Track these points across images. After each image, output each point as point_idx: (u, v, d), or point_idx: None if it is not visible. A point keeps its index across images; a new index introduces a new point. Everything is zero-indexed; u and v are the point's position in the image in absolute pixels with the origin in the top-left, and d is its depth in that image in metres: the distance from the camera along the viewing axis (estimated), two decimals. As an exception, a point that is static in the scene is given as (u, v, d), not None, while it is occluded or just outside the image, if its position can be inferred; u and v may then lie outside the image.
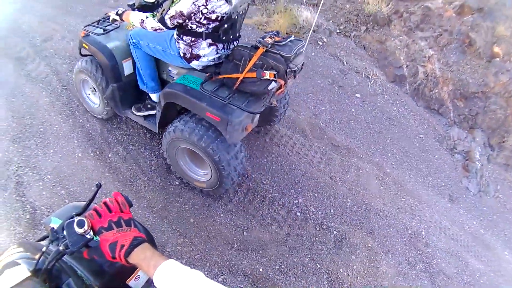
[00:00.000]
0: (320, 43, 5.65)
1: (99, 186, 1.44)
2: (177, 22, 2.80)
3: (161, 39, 3.20)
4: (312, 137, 4.20)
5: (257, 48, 2.86)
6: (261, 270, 3.23)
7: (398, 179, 4.11)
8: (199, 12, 2.68)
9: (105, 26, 3.61)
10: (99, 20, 3.74)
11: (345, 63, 5.37)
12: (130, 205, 1.34)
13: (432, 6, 6.12)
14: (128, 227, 1.25)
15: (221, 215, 3.52)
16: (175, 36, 3.06)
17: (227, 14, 2.76)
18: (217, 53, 3.08)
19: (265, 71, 2.82)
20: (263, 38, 2.88)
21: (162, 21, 2.82)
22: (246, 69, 2.88)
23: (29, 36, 6.34)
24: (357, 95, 4.95)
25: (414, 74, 5.40)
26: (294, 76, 3.05)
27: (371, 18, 6.18)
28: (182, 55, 3.11)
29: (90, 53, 3.81)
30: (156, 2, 3.57)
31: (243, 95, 2.99)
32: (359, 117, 4.62)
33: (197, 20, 2.76)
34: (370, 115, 4.78)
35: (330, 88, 4.97)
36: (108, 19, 3.63)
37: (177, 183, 3.76)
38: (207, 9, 2.66)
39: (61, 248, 1.22)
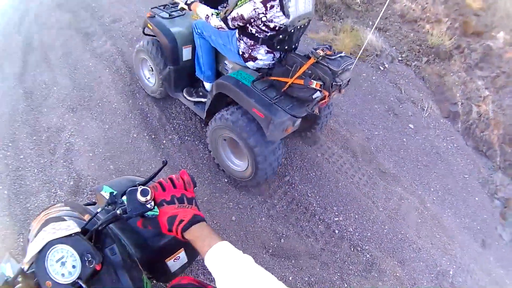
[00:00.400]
0: (382, 68, 5.69)
1: (165, 163, 1.51)
2: (238, 24, 3.03)
3: (224, 34, 3.41)
4: (361, 160, 4.27)
5: (308, 58, 3.06)
6: (290, 278, 3.32)
7: (436, 215, 4.13)
8: (258, 19, 2.88)
9: (171, 12, 3.94)
10: (166, 5, 4.08)
11: (403, 91, 5.42)
12: (195, 185, 1.39)
13: (493, 45, 6.09)
14: (190, 204, 1.29)
15: (263, 218, 3.63)
16: (237, 35, 3.27)
17: (284, 25, 2.93)
18: (273, 60, 3.33)
19: (312, 80, 3.00)
20: (315, 49, 3.07)
21: (225, 21, 3.04)
22: (296, 75, 3.06)
23: (99, 14, 6.68)
24: (410, 125, 4.98)
25: (467, 112, 5.36)
26: (340, 91, 3.20)
27: (433, 50, 6.17)
28: (240, 53, 3.33)
29: (153, 34, 4.06)
30: None
31: (289, 99, 3.18)
32: (409, 147, 4.67)
33: (257, 25, 2.96)
34: (420, 147, 4.80)
35: (385, 114, 5.02)
36: (174, 5, 3.98)
37: (225, 180, 3.88)
38: (266, 17, 2.85)
39: (118, 212, 1.30)
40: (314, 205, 3.75)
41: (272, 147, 3.38)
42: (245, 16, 2.91)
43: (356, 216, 3.79)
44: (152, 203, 1.26)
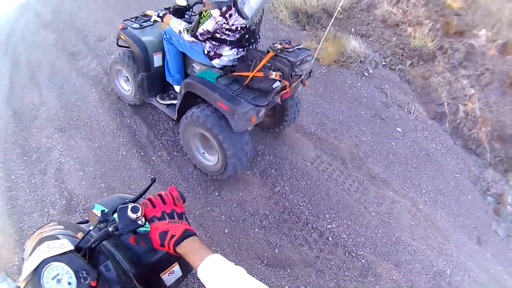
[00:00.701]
0: (366, 74, 5.74)
1: (153, 180, 1.53)
2: (207, 37, 3.41)
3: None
4: (351, 166, 4.27)
5: (268, 52, 3.36)
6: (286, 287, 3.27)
7: (429, 216, 4.12)
8: (222, 28, 3.26)
9: (142, 22, 4.19)
10: (137, 17, 4.34)
11: (388, 96, 5.43)
12: (184, 200, 1.41)
13: (475, 43, 6.13)
14: (180, 219, 1.32)
15: (256, 230, 3.62)
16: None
17: (245, 25, 3.32)
18: (237, 54, 3.59)
19: (271, 72, 3.27)
20: (274, 44, 3.40)
21: (195, 36, 3.41)
22: (257, 69, 3.33)
23: (83, 33, 6.72)
24: (398, 129, 4.99)
25: (454, 112, 5.38)
26: (302, 82, 3.59)
27: (416, 53, 6.20)
28: (206, 52, 3.59)
29: (126, 45, 4.32)
30: (187, 6, 4.10)
31: (251, 91, 3.42)
32: (398, 151, 4.67)
33: (222, 32, 3.32)
34: (409, 150, 4.80)
35: (372, 120, 5.03)
36: (145, 17, 4.25)
37: (216, 193, 3.89)
38: (228, 25, 3.22)
39: (110, 229, 1.31)
40: (306, 214, 3.74)
41: (241, 142, 3.57)
42: (211, 30, 3.30)
43: (349, 222, 3.78)
44: (143, 220, 1.29)
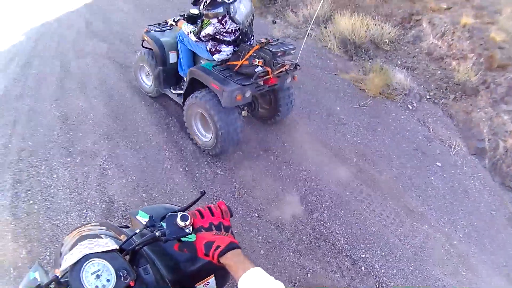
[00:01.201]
0: (410, 107, 5.82)
1: (203, 193, 1.62)
2: (208, 38, 4.36)
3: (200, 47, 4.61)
4: (389, 198, 4.33)
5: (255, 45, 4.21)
6: (316, 312, 3.34)
7: (462, 253, 4.12)
8: (220, 31, 4.21)
9: (162, 27, 5.23)
10: (159, 23, 5.35)
11: (431, 130, 5.49)
12: (231, 215, 1.44)
13: (517, 77, 6.04)
14: (226, 232, 1.36)
15: (291, 253, 3.71)
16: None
17: (238, 28, 4.25)
18: (233, 49, 4.46)
19: (255, 59, 4.13)
20: (260, 39, 4.27)
21: (199, 38, 4.36)
22: (245, 58, 4.21)
23: (135, 47, 7.01)
24: (438, 163, 5.03)
25: (494, 148, 5.36)
26: (287, 72, 4.45)
27: (460, 87, 6.22)
28: (208, 49, 4.49)
29: (149, 46, 5.20)
30: (199, 14, 4.75)
31: (239, 75, 4.23)
32: (437, 185, 4.70)
33: (221, 34, 4.28)
34: (447, 185, 4.80)
35: (414, 153, 5.08)
36: (166, 23, 5.21)
37: (256, 215, 4.03)
38: (225, 28, 4.18)
39: (157, 234, 1.37)
40: (342, 241, 3.82)
41: (230, 117, 4.31)
42: (211, 33, 4.23)
43: (383, 253, 3.83)
44: (191, 229, 1.34)
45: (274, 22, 9.42)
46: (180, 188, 4.23)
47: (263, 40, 4.25)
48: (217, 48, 4.46)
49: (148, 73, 5.56)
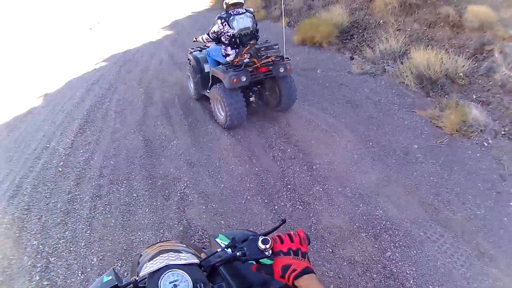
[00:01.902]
0: (486, 145, 5.69)
1: (283, 221, 1.70)
2: (214, 36, 6.29)
3: (217, 51, 6.54)
4: (461, 239, 4.26)
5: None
6: None
7: (531, 298, 3.99)
8: (222, 31, 6.06)
9: (200, 48, 7.53)
10: (199, 47, 7.60)
11: (506, 168, 5.30)
12: (309, 242, 1.50)
13: None
14: (303, 258, 1.40)
15: (360, 291, 3.77)
16: (222, 46, 6.39)
17: (234, 33, 6.05)
18: (236, 53, 6.23)
19: (244, 55, 6.04)
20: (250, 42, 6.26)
21: (208, 35, 6.38)
22: (239, 56, 6.11)
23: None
24: (511, 203, 4.85)
25: None
26: (274, 62, 6.11)
27: (537, 121, 5.97)
28: (224, 54, 6.36)
29: (191, 62, 7.46)
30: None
31: (237, 68, 6.00)
32: (510, 227, 4.55)
33: (222, 35, 6.13)
34: (521, 227, 4.68)
35: (488, 192, 4.92)
36: (202, 47, 7.48)
37: (330, 250, 4.10)
38: (224, 30, 6.04)
39: (238, 253, 1.44)
40: (411, 282, 3.79)
41: (234, 99, 6.08)
42: (216, 31, 6.16)
43: (452, 296, 3.79)
44: (270, 252, 1.41)
45: (352, 58, 9.55)
46: (258, 218, 4.43)
47: (251, 43, 6.23)
48: (227, 52, 6.32)
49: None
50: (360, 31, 10.79)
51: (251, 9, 6.33)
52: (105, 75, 10.98)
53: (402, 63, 8.06)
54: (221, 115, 6.49)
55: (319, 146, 5.78)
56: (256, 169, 5.29)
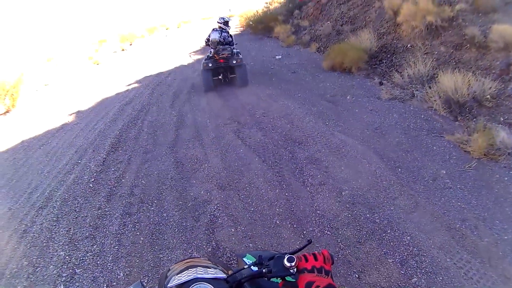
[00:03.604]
0: None
1: (309, 242, 1.76)
2: (206, 41, 11.82)
3: (208, 52, 11.78)
4: (488, 265, 4.21)
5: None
6: None
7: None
8: (208, 40, 11.50)
9: (208, 57, 11.51)
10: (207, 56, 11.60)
11: (534, 192, 5.21)
12: (333, 262, 1.56)
13: None
14: (326, 275, 1.47)
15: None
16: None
17: (210, 42, 11.42)
18: (212, 51, 11.26)
19: (213, 53, 11.29)
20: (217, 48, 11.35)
21: (205, 42, 11.97)
22: (212, 53, 11.25)
23: (250, 107, 9.02)
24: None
25: None
26: (228, 57, 10.98)
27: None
28: (210, 52, 11.47)
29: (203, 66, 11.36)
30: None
31: (210, 59, 11.22)
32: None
33: (208, 42, 11.59)
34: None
35: (517, 218, 4.88)
36: (210, 57, 11.61)
37: (356, 276, 4.07)
38: (208, 40, 11.54)
39: (264, 270, 1.52)
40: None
41: (204, 75, 11.30)
42: (206, 39, 11.67)
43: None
44: (295, 270, 1.49)
45: (381, 83, 9.69)
46: (286, 243, 4.44)
47: (217, 47, 11.02)
48: (211, 51, 11.31)
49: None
50: (388, 55, 10.95)
51: (226, 29, 11.71)
52: (137, 97, 11.35)
53: (430, 87, 8.08)
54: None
55: (348, 172, 5.78)
56: (286, 194, 5.30)
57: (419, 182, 5.49)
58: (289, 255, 1.50)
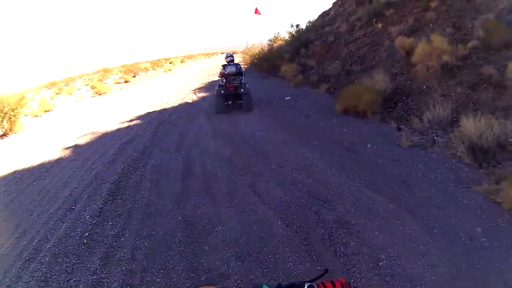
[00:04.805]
0: None
1: (326, 270, 1.75)
2: (220, 74, 14.50)
3: (221, 81, 14.64)
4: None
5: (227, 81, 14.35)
6: None
7: None
8: (223, 73, 14.20)
9: (220, 85, 14.43)
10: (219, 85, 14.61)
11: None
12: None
13: None
14: None
15: None
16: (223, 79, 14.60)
17: (226, 74, 14.06)
18: (224, 80, 14.16)
19: (225, 82, 14.16)
20: (228, 79, 14.41)
21: (220, 75, 14.64)
22: (225, 82, 14.03)
23: (264, 156, 8.05)
24: None
25: None
26: (237, 86, 13.79)
27: None
28: (222, 82, 14.36)
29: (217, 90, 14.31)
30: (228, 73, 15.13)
31: (222, 87, 14.00)
32: None
33: (223, 74, 14.26)
34: None
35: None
36: (221, 84, 14.60)
37: None
38: (224, 72, 14.19)
39: None
40: None
41: (217, 100, 13.91)
42: (221, 72, 14.31)
43: None
44: None
45: (399, 129, 9.16)
46: None
47: (229, 77, 13.89)
48: (223, 79, 14.01)
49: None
50: (403, 97, 10.50)
51: (238, 64, 14.53)
52: (140, 135, 10.83)
53: (451, 131, 7.71)
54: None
55: (383, 237, 5.18)
56: (318, 268, 4.53)
57: (456, 243, 5.04)
58: (310, 283, 1.50)
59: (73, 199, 6.73)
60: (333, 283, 1.49)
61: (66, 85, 33.41)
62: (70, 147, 10.74)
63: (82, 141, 11.30)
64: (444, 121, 8.23)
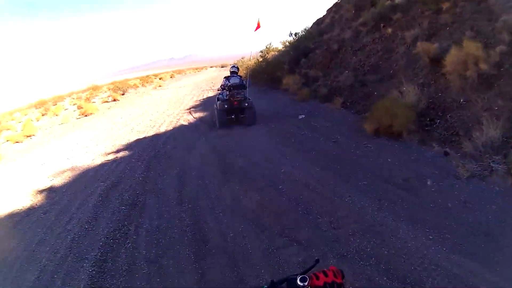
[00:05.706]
0: None
1: (317, 261, 1.88)
2: (223, 87, 14.53)
3: (223, 94, 14.67)
4: None
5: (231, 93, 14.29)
6: None
7: None
8: (225, 85, 14.27)
9: (224, 99, 14.55)
10: (224, 103, 14.59)
11: None
12: (343, 276, 1.66)
13: None
14: None
15: None
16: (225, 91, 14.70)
17: (229, 85, 13.98)
18: (227, 93, 14.12)
19: (229, 96, 14.13)
20: (232, 92, 14.32)
21: (221, 88, 14.78)
22: (229, 96, 13.98)
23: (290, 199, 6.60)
24: None
25: None
26: (241, 101, 13.69)
27: None
28: (226, 95, 14.46)
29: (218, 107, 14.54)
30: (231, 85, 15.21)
31: (226, 101, 13.91)
32: None
33: (225, 86, 14.34)
34: None
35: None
36: (222, 93, 15.34)
37: None
38: (227, 84, 14.23)
39: None
40: None
41: (220, 114, 13.84)
42: (223, 84, 14.51)
43: None
44: None
45: (446, 154, 7.73)
46: None
47: (232, 91, 13.54)
48: (225, 93, 14.00)
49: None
50: (440, 113, 9.07)
51: (241, 77, 14.20)
52: (127, 175, 8.82)
53: (507, 155, 6.51)
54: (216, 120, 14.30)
55: None
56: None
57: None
58: (302, 275, 1.58)
59: (42, 285, 4.64)
60: (325, 273, 1.59)
61: (54, 104, 32.63)
62: (44, 190, 8.93)
63: (58, 181, 9.46)
64: (497, 142, 6.84)
